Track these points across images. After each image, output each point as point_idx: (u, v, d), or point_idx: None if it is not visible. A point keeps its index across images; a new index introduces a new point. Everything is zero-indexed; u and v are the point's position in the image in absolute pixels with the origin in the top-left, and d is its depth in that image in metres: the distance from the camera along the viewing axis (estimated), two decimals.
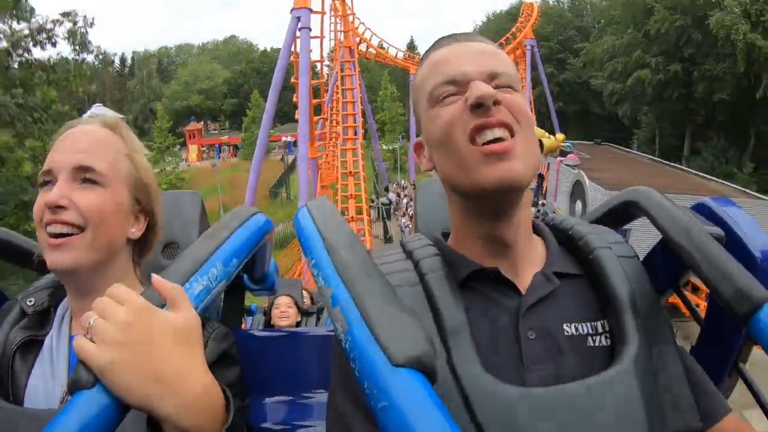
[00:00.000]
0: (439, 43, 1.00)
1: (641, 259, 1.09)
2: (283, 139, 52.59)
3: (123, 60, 73.64)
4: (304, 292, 6.00)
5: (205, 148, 57.34)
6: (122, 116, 56.96)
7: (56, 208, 1.05)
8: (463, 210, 1.00)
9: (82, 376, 0.72)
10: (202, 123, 62.00)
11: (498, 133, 0.87)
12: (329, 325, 2.81)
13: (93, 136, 1.14)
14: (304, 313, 4.79)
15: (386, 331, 0.74)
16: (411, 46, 65.77)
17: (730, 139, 29.49)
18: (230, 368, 1.11)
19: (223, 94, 67.19)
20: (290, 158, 50.00)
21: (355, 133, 26.10)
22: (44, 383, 1.08)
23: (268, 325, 4.42)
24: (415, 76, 1.04)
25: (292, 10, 20.46)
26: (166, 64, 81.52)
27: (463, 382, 0.82)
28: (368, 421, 0.82)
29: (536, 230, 1.09)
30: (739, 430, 0.92)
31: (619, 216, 1.22)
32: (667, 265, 1.14)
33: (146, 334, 0.75)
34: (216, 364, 1.05)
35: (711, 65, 24.92)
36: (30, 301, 1.19)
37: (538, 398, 0.81)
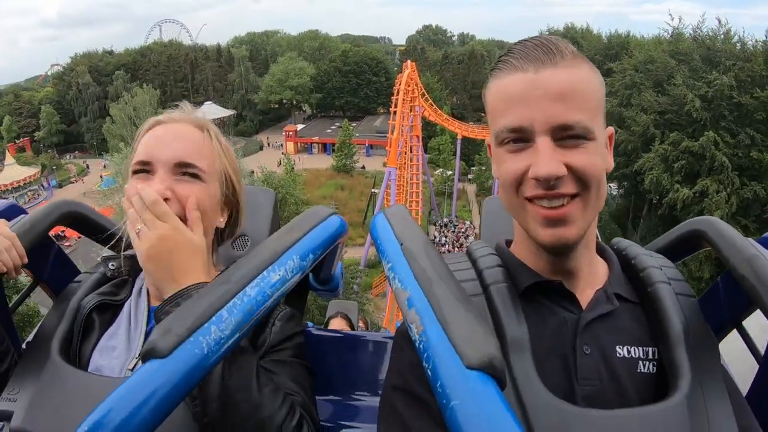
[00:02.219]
0: (513, 65, 0.94)
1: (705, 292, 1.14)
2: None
3: (219, 51, 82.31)
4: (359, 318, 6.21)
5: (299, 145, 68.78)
6: (232, 111, 69.31)
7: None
8: (526, 234, 1.00)
9: (160, 345, 0.81)
10: (296, 125, 71.66)
11: (556, 202, 0.90)
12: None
13: (190, 137, 1.22)
14: None
15: (461, 334, 0.75)
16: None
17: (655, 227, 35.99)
18: (292, 350, 1.19)
19: (309, 89, 75.36)
20: (367, 161, 59.02)
21: (419, 188, 38.01)
22: (115, 343, 1.19)
23: None
24: (486, 91, 1.01)
25: None
26: (255, 51, 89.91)
27: (523, 397, 0.84)
28: (425, 420, 0.87)
29: (601, 251, 1.10)
30: None
31: (683, 246, 1.20)
32: (729, 300, 1.15)
33: (174, 245, 1.06)
34: (280, 345, 1.18)
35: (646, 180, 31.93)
36: (112, 265, 1.33)
37: (596, 420, 0.82)
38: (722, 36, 34.39)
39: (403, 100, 35.44)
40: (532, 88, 0.90)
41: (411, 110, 38.58)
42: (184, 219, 1.13)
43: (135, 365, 1.14)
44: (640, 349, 0.96)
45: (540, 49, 0.93)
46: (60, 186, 55.10)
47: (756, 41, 32.22)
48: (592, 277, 1.04)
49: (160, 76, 77.01)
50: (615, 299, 1.00)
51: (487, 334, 0.77)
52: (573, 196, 0.90)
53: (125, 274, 1.33)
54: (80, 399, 1.04)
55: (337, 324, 4.49)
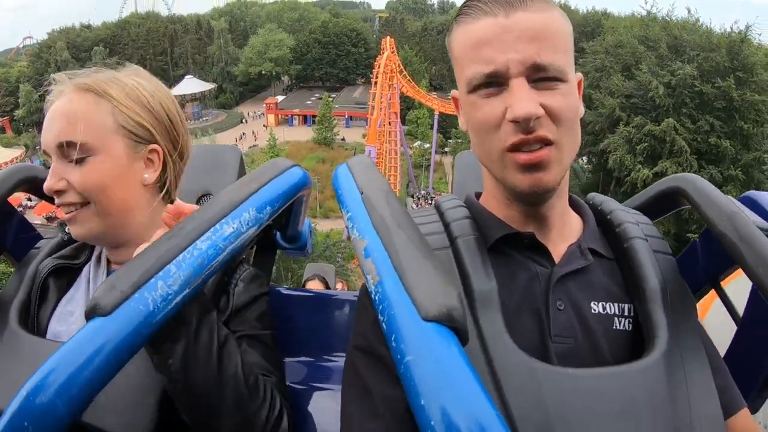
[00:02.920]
0: (481, 9, 0.88)
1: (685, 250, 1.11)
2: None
3: (199, 23, 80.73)
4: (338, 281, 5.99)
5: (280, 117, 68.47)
6: (213, 85, 69.03)
7: (56, 192, 1.05)
8: (497, 184, 0.96)
9: (103, 302, 0.76)
10: (277, 97, 71.23)
11: (535, 146, 0.84)
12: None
13: (69, 108, 1.07)
14: None
15: (418, 283, 0.71)
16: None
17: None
18: (260, 318, 1.12)
19: (289, 61, 75.15)
20: (347, 132, 58.96)
21: (397, 161, 39.35)
22: (72, 308, 1.13)
23: None
24: (451, 39, 0.94)
25: None
26: (234, 23, 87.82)
27: (492, 355, 0.79)
28: (386, 381, 0.81)
29: (574, 205, 1.05)
30: (751, 425, 0.93)
31: (662, 204, 1.15)
32: (707, 259, 1.11)
33: None
34: (246, 308, 1.11)
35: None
36: (69, 230, 1.17)
37: (570, 379, 0.78)
38: (690, 26, 35.44)
39: (382, 81, 36.44)
40: (503, 31, 0.85)
41: (389, 88, 39.52)
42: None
43: None
44: (616, 305, 0.92)
45: None
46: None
47: (723, 30, 33.10)
48: (565, 231, 0.99)
49: (139, 50, 75.86)
50: (589, 254, 0.96)
51: (446, 284, 0.73)
52: (550, 143, 0.85)
53: None
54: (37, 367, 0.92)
55: (314, 286, 4.38)
